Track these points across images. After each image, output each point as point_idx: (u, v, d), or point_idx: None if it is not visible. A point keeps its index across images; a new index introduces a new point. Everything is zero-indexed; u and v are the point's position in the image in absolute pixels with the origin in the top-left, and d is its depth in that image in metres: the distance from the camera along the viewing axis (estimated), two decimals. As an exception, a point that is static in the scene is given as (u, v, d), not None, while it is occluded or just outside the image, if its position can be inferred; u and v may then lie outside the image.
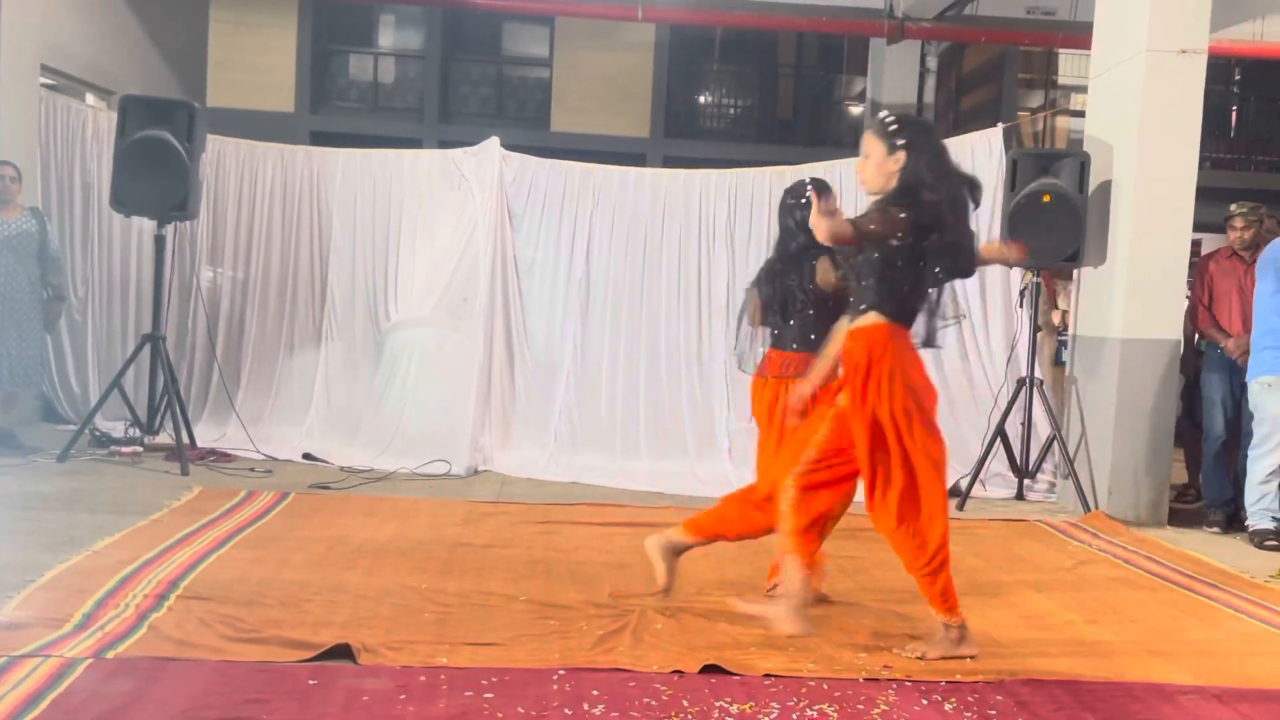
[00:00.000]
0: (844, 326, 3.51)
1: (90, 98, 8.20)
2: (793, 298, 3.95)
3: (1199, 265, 6.27)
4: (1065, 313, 6.89)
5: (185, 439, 6.16)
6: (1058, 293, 7.14)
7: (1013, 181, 6.14)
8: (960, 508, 6.01)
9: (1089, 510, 5.87)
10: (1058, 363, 7.09)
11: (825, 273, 3.90)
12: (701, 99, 18.06)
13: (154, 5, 9.32)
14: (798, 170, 7.14)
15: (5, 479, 5.46)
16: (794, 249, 3.98)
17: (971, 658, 3.36)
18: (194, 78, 10.88)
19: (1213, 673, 3.39)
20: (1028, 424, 6.29)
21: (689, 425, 6.88)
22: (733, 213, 7.14)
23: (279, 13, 15.47)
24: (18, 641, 3.06)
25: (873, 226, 3.31)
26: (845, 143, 16.39)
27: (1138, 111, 5.83)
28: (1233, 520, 5.80)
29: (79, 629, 3.20)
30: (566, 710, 2.84)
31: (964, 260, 3.43)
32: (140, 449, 6.25)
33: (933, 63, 13.95)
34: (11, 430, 6.27)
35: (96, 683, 2.83)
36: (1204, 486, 6.08)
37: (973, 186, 3.46)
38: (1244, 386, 5.65)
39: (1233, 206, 6.16)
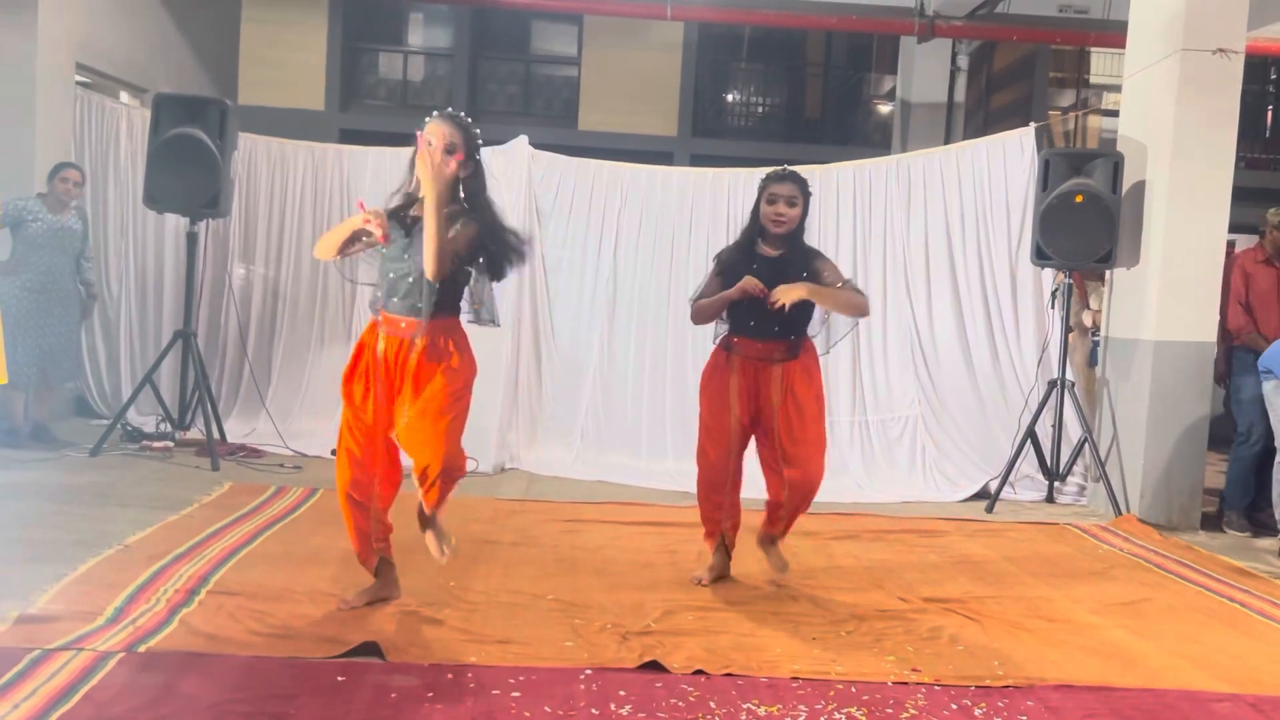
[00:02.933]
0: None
1: (124, 95, 8.27)
2: None
3: (1234, 262, 6.14)
4: (1097, 313, 6.82)
5: (216, 434, 6.21)
6: (1089, 293, 7.07)
7: (1045, 181, 6.08)
8: (989, 510, 5.97)
9: (1120, 514, 5.81)
10: (1092, 364, 7.02)
11: None
12: (729, 97, 18.02)
13: (187, 4, 9.39)
14: (826, 170, 7.11)
15: (38, 472, 5.52)
16: None
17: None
18: (226, 76, 10.96)
19: (1248, 680, 3.34)
20: (1058, 426, 6.24)
21: (715, 425, 6.86)
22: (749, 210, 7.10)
23: (310, 11, 15.57)
24: (50, 635, 3.09)
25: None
26: (874, 142, 16.32)
27: (1172, 111, 5.76)
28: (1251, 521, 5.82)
29: (111, 623, 3.23)
30: (593, 710, 2.84)
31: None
32: (171, 444, 6.31)
33: (963, 61, 13.82)
34: (45, 424, 6.34)
35: (128, 677, 2.85)
36: (1228, 488, 6.02)
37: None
38: None
39: (1271, 213, 6.06)
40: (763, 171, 7.17)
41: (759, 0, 11.26)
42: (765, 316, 3.96)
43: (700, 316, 4.11)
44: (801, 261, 4.03)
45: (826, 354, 4.18)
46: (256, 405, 7.06)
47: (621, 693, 2.96)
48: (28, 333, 6.04)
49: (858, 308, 4.00)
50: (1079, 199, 5.92)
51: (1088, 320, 7.01)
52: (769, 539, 4.24)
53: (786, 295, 3.79)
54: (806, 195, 4.10)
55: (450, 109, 3.58)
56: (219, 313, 7.27)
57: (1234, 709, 3.11)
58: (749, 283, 3.88)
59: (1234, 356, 6.06)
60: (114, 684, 2.80)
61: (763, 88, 18.01)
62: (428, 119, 3.48)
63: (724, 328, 4.16)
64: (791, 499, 4.08)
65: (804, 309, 3.99)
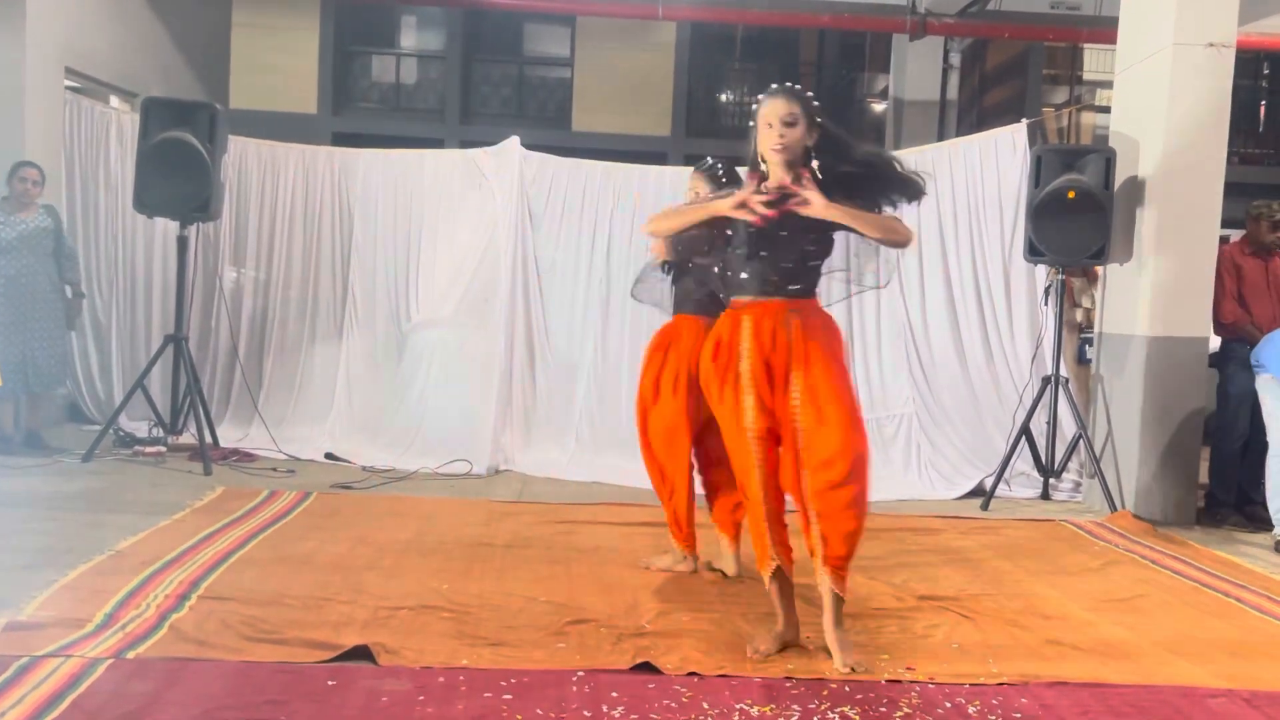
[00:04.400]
0: None
1: (114, 100, 8.24)
2: None
3: (1225, 254, 6.12)
4: (1089, 310, 6.82)
5: (208, 439, 6.18)
6: (1079, 292, 7.06)
7: (1037, 178, 6.07)
8: (984, 507, 5.96)
9: (1115, 510, 5.80)
10: (1081, 361, 7.02)
11: None
12: (723, 97, 18.03)
13: (177, 9, 9.37)
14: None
15: (30, 479, 5.49)
16: None
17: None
18: (217, 80, 10.94)
19: (1243, 676, 3.33)
20: (1053, 423, 6.23)
21: (710, 425, 6.86)
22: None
23: (301, 15, 15.55)
24: (39, 641, 3.07)
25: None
26: (867, 140, 16.32)
27: (1164, 106, 5.75)
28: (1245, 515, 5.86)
29: (100, 629, 3.21)
30: (585, 712, 2.82)
31: None
32: (164, 449, 6.28)
33: (956, 59, 13.86)
34: (37, 430, 6.31)
35: (117, 683, 2.83)
36: (1214, 484, 6.01)
37: None
38: None
39: (1260, 206, 6.07)
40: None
41: (751, 0, 11.26)
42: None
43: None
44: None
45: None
46: (249, 409, 7.04)
47: (614, 694, 2.95)
48: (9, 340, 5.99)
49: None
50: (1071, 195, 5.91)
51: (1079, 317, 7.00)
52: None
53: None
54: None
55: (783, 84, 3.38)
56: (210, 317, 7.24)
57: (1229, 705, 3.09)
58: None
59: (1226, 349, 6.06)
60: (102, 691, 2.78)
61: (756, 87, 17.97)
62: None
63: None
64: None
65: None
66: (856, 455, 3.20)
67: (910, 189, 3.32)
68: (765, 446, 3.33)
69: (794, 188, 3.23)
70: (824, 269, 3.40)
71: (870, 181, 3.33)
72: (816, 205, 3.17)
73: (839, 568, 3.29)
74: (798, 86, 3.34)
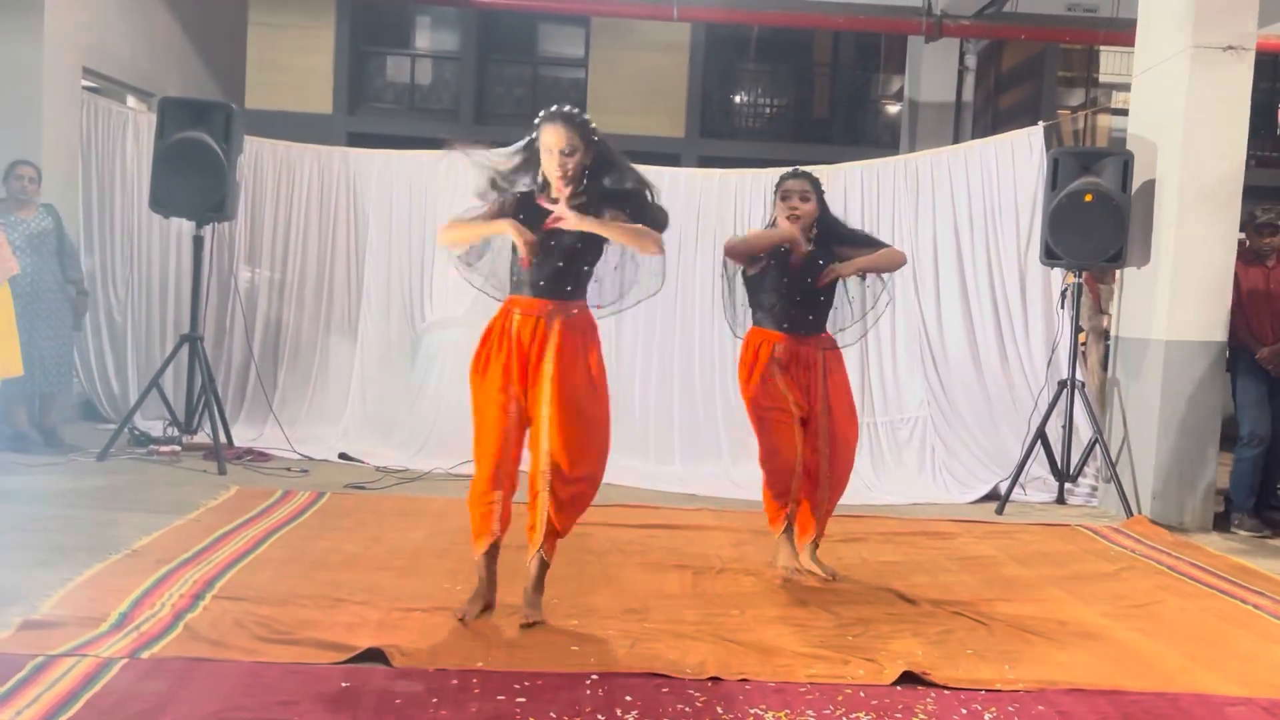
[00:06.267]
0: None
1: (131, 100, 8.27)
2: None
3: None
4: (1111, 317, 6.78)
5: (223, 438, 6.20)
6: (1103, 297, 7.01)
7: (1054, 181, 6.04)
8: (999, 511, 5.93)
9: (1131, 515, 5.76)
10: (1106, 368, 6.98)
11: None
12: (737, 98, 18.01)
13: (194, 8, 9.39)
14: (834, 170, 7.08)
15: (45, 477, 5.52)
16: None
17: None
18: (233, 80, 10.96)
19: (1261, 684, 3.30)
20: (1068, 427, 6.19)
21: (723, 428, 6.84)
22: (768, 213, 7.05)
23: (317, 15, 15.61)
24: (54, 640, 3.08)
25: None
26: (882, 142, 16.29)
27: (1182, 109, 5.72)
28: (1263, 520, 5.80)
29: (115, 628, 3.22)
30: (599, 715, 2.81)
31: None
32: (178, 448, 6.30)
33: (971, 61, 13.79)
34: (53, 428, 6.34)
35: (131, 683, 2.84)
36: (1232, 489, 5.97)
37: None
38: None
39: (1259, 212, 6.03)
40: (769, 173, 7.24)
41: (766, 0, 11.24)
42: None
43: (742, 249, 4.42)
44: (828, 256, 4.27)
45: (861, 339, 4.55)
46: (263, 409, 7.05)
47: (628, 698, 2.94)
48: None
49: (890, 261, 4.27)
50: (1088, 198, 5.88)
51: (1106, 324, 6.95)
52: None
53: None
54: (819, 191, 4.37)
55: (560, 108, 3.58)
56: (225, 317, 7.26)
57: (1247, 713, 3.07)
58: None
59: (1234, 355, 6.01)
60: (117, 690, 2.78)
61: (770, 88, 18.01)
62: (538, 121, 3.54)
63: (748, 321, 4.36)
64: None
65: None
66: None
67: (654, 217, 3.60)
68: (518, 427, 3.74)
69: (547, 204, 3.51)
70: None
71: (630, 202, 3.60)
72: (570, 219, 3.46)
73: None
74: (575, 110, 3.56)
